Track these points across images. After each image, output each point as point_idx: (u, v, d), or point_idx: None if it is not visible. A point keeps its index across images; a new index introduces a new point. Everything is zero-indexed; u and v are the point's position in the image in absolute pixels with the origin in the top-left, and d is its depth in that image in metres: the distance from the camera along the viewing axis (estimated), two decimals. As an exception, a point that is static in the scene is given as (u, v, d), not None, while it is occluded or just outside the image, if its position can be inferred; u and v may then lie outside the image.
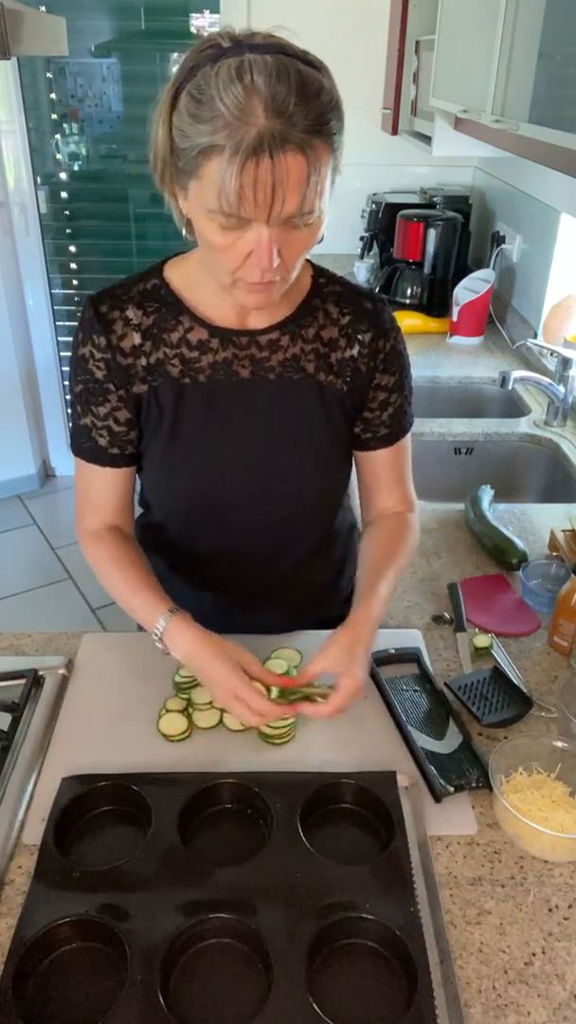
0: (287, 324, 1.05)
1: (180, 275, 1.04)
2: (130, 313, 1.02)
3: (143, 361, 1.04)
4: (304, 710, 0.98)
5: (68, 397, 1.10)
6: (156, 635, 1.02)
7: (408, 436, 1.17)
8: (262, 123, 0.77)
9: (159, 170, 0.89)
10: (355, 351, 1.07)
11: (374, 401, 1.11)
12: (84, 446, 1.09)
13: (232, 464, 1.09)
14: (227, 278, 0.91)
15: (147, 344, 1.03)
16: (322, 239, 0.96)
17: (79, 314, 1.05)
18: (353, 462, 1.19)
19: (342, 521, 1.28)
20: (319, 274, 1.08)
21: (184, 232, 0.95)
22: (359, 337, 1.07)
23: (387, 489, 1.18)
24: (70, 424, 1.10)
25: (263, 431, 1.08)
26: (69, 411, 1.12)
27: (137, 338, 1.03)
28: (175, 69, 0.85)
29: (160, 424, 1.07)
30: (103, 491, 1.12)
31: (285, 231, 0.85)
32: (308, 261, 1.09)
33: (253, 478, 1.10)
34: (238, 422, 1.07)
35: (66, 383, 3.83)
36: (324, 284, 1.08)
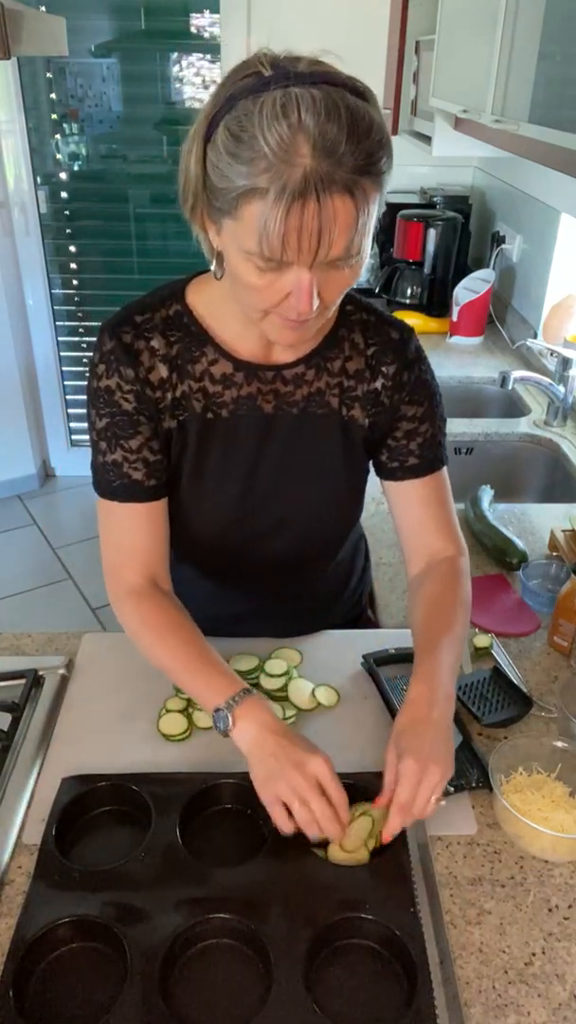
0: (313, 357, 1.01)
1: (204, 302, 0.98)
2: (155, 343, 0.97)
3: (170, 395, 0.98)
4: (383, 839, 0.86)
5: (91, 433, 1.02)
6: (227, 710, 0.91)
7: (445, 475, 1.10)
8: (308, 164, 0.72)
9: (190, 203, 0.84)
10: (379, 384, 1.03)
11: (399, 430, 1.06)
12: (115, 485, 0.99)
13: (253, 500, 1.05)
14: (258, 314, 0.86)
15: (173, 376, 0.98)
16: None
17: (97, 343, 0.99)
18: (389, 501, 1.12)
19: (351, 539, 1.27)
20: (347, 302, 1.02)
21: (213, 267, 0.89)
22: (383, 369, 1.03)
23: (432, 530, 1.09)
24: (91, 462, 1.02)
25: (283, 466, 1.04)
26: (89, 447, 1.03)
27: (164, 371, 0.97)
28: (209, 96, 0.80)
29: (183, 459, 1.02)
30: (143, 535, 1.02)
31: (325, 273, 0.81)
32: None
33: (273, 513, 1.07)
34: (259, 457, 1.03)
35: (66, 383, 3.84)
36: (352, 312, 1.03)
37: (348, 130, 0.73)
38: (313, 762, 0.85)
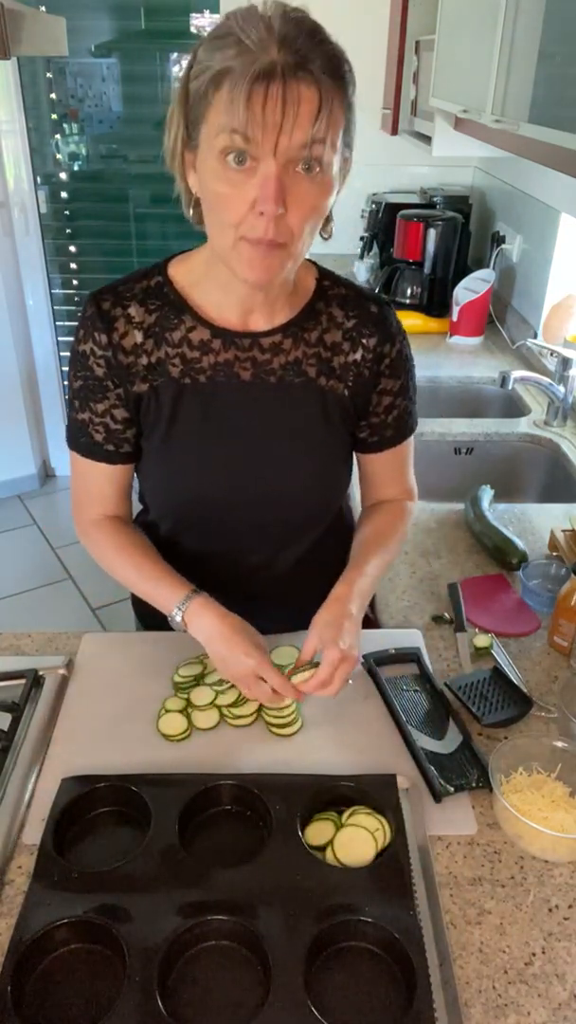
0: (290, 327, 1.04)
1: (184, 273, 1.03)
2: (132, 311, 1.02)
3: (144, 360, 1.03)
4: (300, 689, 1.01)
5: (67, 391, 1.09)
6: (177, 614, 1.05)
7: (411, 437, 1.18)
8: (276, 54, 0.79)
9: (171, 145, 0.89)
10: (359, 356, 1.07)
11: (379, 406, 1.11)
12: (80, 441, 1.09)
13: (228, 466, 1.09)
14: (230, 238, 0.88)
15: (148, 343, 1.03)
16: (330, 236, 0.95)
17: (80, 311, 1.05)
18: (354, 461, 1.19)
19: (341, 523, 1.28)
20: (324, 277, 1.08)
21: (190, 215, 0.95)
22: (363, 342, 1.06)
23: (389, 484, 1.21)
24: (66, 418, 1.12)
25: (261, 434, 1.08)
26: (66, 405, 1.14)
27: (139, 336, 1.02)
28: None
29: (158, 423, 1.06)
30: (101, 483, 1.12)
31: (292, 178, 0.83)
32: (313, 264, 1.08)
33: (249, 481, 1.09)
34: (236, 424, 1.07)
35: (66, 383, 3.83)
36: (329, 287, 1.07)
37: (311, 37, 0.81)
38: (248, 664, 1.01)
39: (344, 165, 0.90)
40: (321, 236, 0.96)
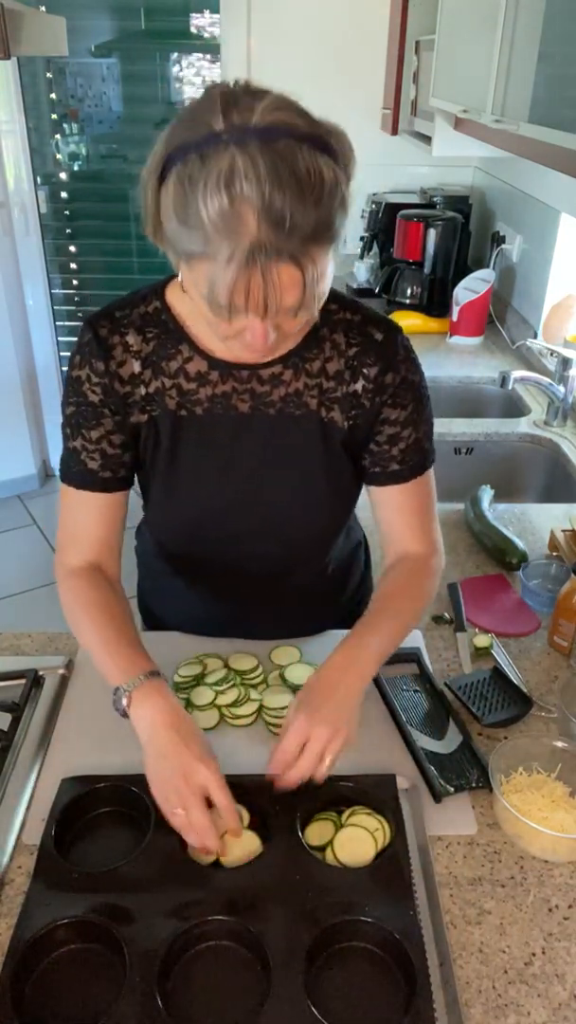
0: (291, 357, 0.99)
1: (182, 301, 0.98)
2: (130, 339, 0.98)
3: (142, 390, 0.99)
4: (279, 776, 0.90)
5: (62, 419, 1.05)
6: (125, 689, 0.92)
7: (429, 475, 1.08)
8: (253, 235, 0.72)
9: (150, 229, 0.84)
10: (359, 386, 1.00)
11: (381, 435, 1.03)
12: (73, 471, 1.03)
13: (228, 499, 1.05)
14: (221, 338, 0.87)
15: (146, 373, 0.99)
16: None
17: (78, 334, 1.00)
18: (369, 499, 1.12)
19: (346, 542, 1.25)
20: (331, 300, 0.99)
21: (180, 278, 0.88)
22: (364, 371, 1.00)
23: (407, 532, 1.09)
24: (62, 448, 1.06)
25: (261, 467, 1.04)
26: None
27: (136, 366, 0.98)
28: (164, 134, 0.78)
29: (157, 455, 1.03)
30: (90, 522, 1.05)
31: (282, 316, 0.81)
32: None
33: (249, 514, 1.06)
34: (235, 457, 1.03)
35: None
36: (336, 311, 1.00)
37: (297, 199, 0.72)
38: (200, 772, 0.86)
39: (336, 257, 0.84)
40: None
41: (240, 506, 1.06)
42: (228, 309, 0.78)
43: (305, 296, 0.78)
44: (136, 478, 1.09)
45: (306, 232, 0.74)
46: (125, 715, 0.93)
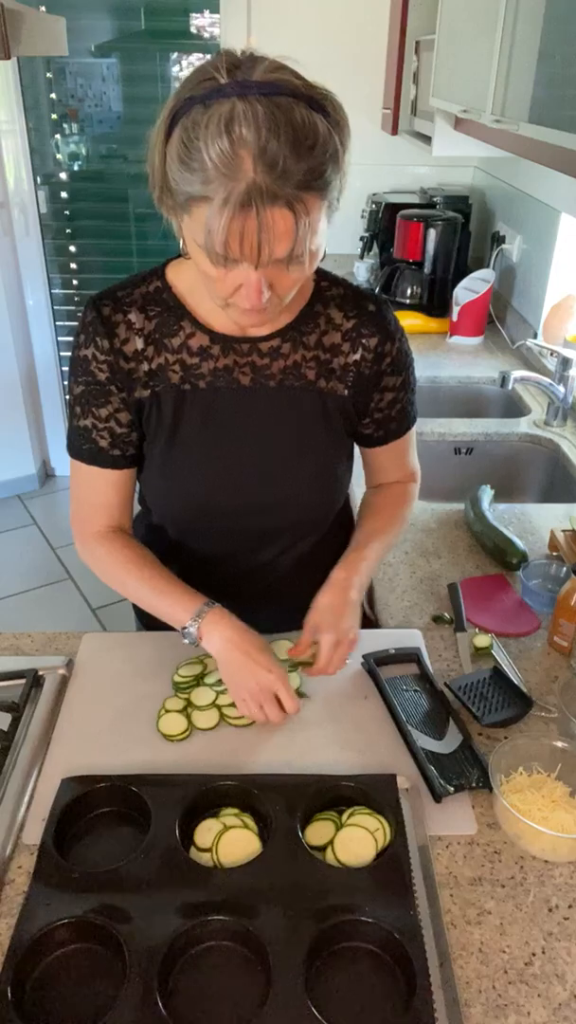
0: (288, 331, 1.05)
1: (183, 279, 1.03)
2: (132, 317, 1.02)
3: (145, 366, 1.03)
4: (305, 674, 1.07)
5: (67, 397, 1.10)
6: (193, 625, 1.04)
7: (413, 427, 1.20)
8: (250, 177, 0.76)
9: (157, 193, 0.88)
10: (359, 356, 1.07)
11: (382, 402, 1.12)
12: (83, 448, 1.08)
13: (230, 471, 1.09)
14: (220, 301, 0.91)
15: (149, 349, 1.03)
16: (324, 256, 0.95)
17: (80, 315, 1.04)
18: (354, 460, 1.20)
19: (341, 520, 1.28)
20: (321, 278, 1.07)
21: (182, 246, 0.94)
22: (363, 342, 1.06)
23: (392, 470, 1.23)
24: (67, 425, 1.11)
25: (262, 439, 1.08)
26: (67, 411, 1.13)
27: (140, 343, 1.02)
28: (173, 92, 0.83)
29: (160, 429, 1.06)
30: (106, 492, 1.11)
31: (276, 270, 0.85)
32: None
33: (251, 486, 1.10)
34: (237, 429, 1.07)
35: (66, 383, 3.83)
36: (327, 288, 1.07)
37: (291, 146, 0.76)
38: (268, 678, 1.00)
39: (328, 221, 0.88)
40: None
41: (241, 477, 1.09)
42: (224, 255, 0.81)
43: (296, 245, 0.82)
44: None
45: (299, 178, 0.78)
46: (196, 644, 1.05)
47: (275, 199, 0.77)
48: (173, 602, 1.07)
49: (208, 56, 3.23)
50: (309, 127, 0.78)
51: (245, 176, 0.76)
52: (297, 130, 0.77)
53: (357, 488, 1.54)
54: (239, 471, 1.09)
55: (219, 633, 1.03)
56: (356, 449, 1.22)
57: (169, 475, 1.10)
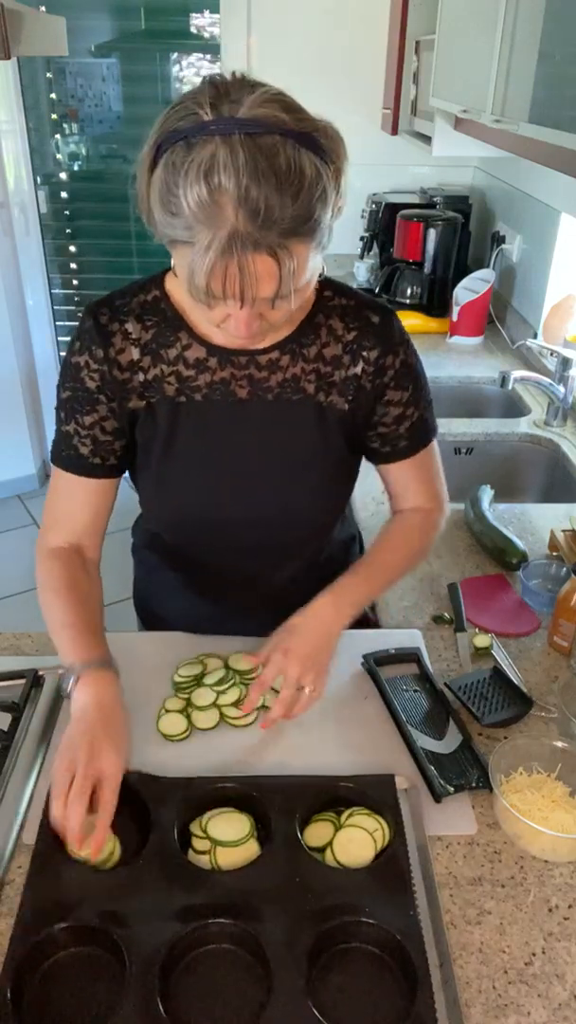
0: (288, 343, 1.01)
1: (181, 289, 0.98)
2: (129, 327, 1.00)
3: (140, 377, 1.01)
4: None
5: (56, 402, 1.07)
6: (73, 674, 0.96)
7: (433, 444, 1.14)
8: (231, 224, 0.74)
9: (145, 216, 0.85)
10: (359, 369, 1.03)
11: (388, 416, 1.07)
12: (63, 454, 1.05)
13: (225, 484, 1.06)
14: (211, 324, 0.90)
15: (145, 360, 1.01)
16: (322, 275, 0.94)
17: (79, 320, 1.03)
18: (379, 475, 1.17)
19: (340, 533, 1.26)
20: (325, 286, 1.03)
21: (173, 263, 0.92)
22: (364, 355, 1.02)
23: (412, 493, 1.16)
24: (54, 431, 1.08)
25: (259, 452, 1.05)
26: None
27: (135, 353, 1.00)
28: (158, 120, 0.80)
29: (155, 440, 1.04)
30: (75, 506, 1.07)
31: (264, 305, 0.84)
32: None
33: (246, 499, 1.07)
34: (233, 442, 1.04)
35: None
36: (330, 298, 1.03)
37: (275, 192, 0.74)
38: (104, 758, 0.87)
39: (322, 252, 0.86)
40: None
41: (236, 492, 1.07)
42: (206, 295, 0.80)
43: (281, 287, 0.80)
44: (129, 471, 1.10)
45: (284, 225, 0.76)
46: (68, 696, 0.95)
47: (257, 246, 0.76)
48: (72, 639, 0.99)
49: (208, 57, 3.24)
50: (295, 172, 0.75)
51: (226, 223, 0.75)
52: (280, 176, 0.75)
53: (360, 504, 1.55)
54: (234, 483, 1.06)
55: (91, 692, 0.94)
56: (362, 467, 1.17)
57: (164, 486, 1.07)
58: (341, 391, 1.04)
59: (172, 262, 0.89)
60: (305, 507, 1.10)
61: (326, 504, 1.14)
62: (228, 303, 0.82)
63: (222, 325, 0.89)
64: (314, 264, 0.84)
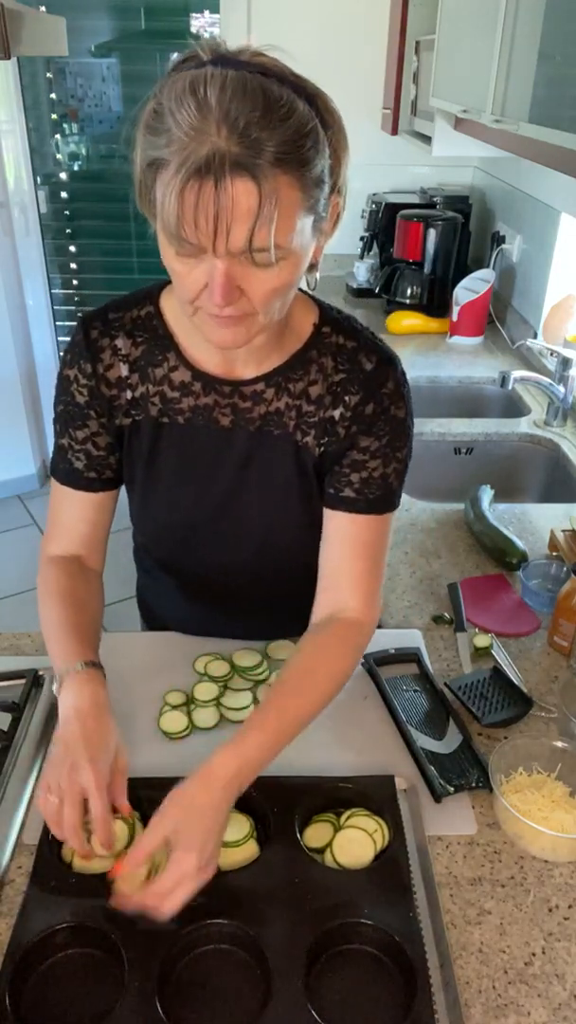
0: (274, 376, 0.97)
1: (174, 307, 0.97)
2: (120, 343, 0.97)
3: (128, 394, 0.99)
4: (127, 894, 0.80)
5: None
6: (59, 675, 0.94)
7: (387, 520, 1.01)
8: (214, 142, 0.69)
9: (138, 192, 0.81)
10: (336, 413, 0.97)
11: (346, 458, 0.98)
12: (60, 467, 1.04)
13: (203, 508, 1.05)
14: (189, 308, 0.83)
15: (133, 377, 0.99)
16: (315, 286, 0.90)
17: (73, 332, 1.00)
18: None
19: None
20: (325, 322, 0.98)
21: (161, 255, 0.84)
22: (345, 399, 0.96)
23: (347, 577, 1.01)
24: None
25: (238, 481, 1.03)
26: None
27: (124, 370, 0.98)
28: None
29: (138, 458, 1.03)
30: (74, 518, 1.06)
31: (245, 267, 0.77)
32: (317, 304, 0.99)
33: (223, 525, 1.06)
34: (213, 469, 1.03)
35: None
36: (327, 334, 0.97)
37: (261, 115, 0.70)
38: (83, 773, 0.83)
39: (314, 229, 0.81)
40: (307, 282, 0.89)
41: (214, 517, 1.06)
42: (177, 226, 0.73)
43: (259, 229, 0.72)
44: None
45: (271, 150, 0.71)
46: (57, 692, 0.94)
47: (237, 167, 0.69)
48: (59, 642, 0.97)
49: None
50: (286, 101, 0.72)
51: (208, 140, 0.70)
52: (270, 100, 0.71)
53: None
54: (211, 508, 1.05)
55: (74, 695, 0.91)
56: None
57: (146, 503, 1.07)
58: (316, 433, 0.99)
59: (161, 243, 0.81)
60: (281, 537, 1.08)
61: (300, 535, 1.07)
62: (205, 258, 0.76)
63: (199, 303, 0.81)
64: (302, 231, 0.78)
